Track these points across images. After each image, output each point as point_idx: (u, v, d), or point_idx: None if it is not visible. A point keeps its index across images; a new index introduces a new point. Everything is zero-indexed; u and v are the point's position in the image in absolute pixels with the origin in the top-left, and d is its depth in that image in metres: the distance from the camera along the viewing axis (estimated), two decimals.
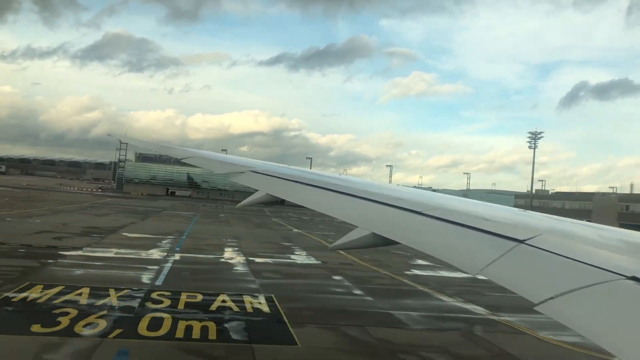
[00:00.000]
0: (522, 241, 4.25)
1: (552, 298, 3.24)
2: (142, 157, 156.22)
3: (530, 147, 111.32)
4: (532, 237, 4.30)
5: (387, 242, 5.76)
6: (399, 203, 6.62)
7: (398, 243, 5.56)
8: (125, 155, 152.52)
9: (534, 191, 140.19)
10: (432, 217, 5.65)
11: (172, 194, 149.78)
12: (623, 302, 3.14)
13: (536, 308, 3.24)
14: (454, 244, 4.93)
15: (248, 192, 9.59)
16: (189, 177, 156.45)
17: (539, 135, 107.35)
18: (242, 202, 9.74)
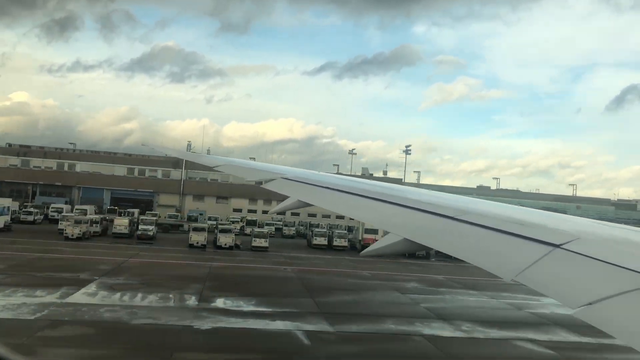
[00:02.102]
0: (558, 245, 4.19)
1: (590, 304, 3.19)
2: None
3: None
4: (569, 242, 4.24)
5: (420, 247, 5.75)
6: (431, 208, 6.59)
7: (430, 249, 5.54)
8: None
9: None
10: (465, 221, 5.61)
11: None
12: None
13: (574, 314, 3.19)
14: (487, 249, 4.89)
15: None
16: None
17: None
18: (274, 209, 9.83)
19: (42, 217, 55.85)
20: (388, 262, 42.29)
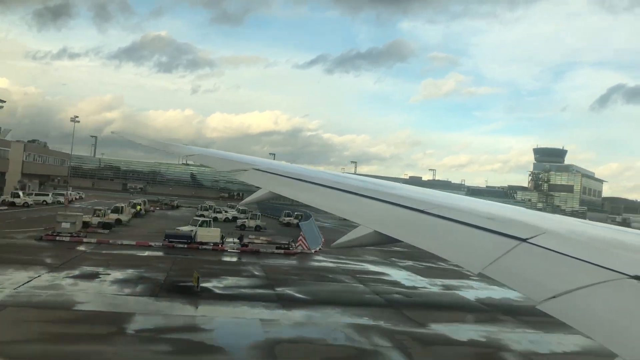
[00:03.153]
0: (524, 240, 4.23)
1: (554, 297, 3.23)
2: None
3: None
4: (535, 236, 4.28)
5: (390, 240, 5.74)
6: (402, 201, 6.60)
7: (400, 241, 5.54)
8: None
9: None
10: (434, 215, 5.63)
11: None
12: (626, 301, 3.12)
13: (538, 307, 3.23)
14: (456, 243, 4.91)
15: None
16: None
17: None
18: (245, 200, 9.74)
19: None
20: None
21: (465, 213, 5.73)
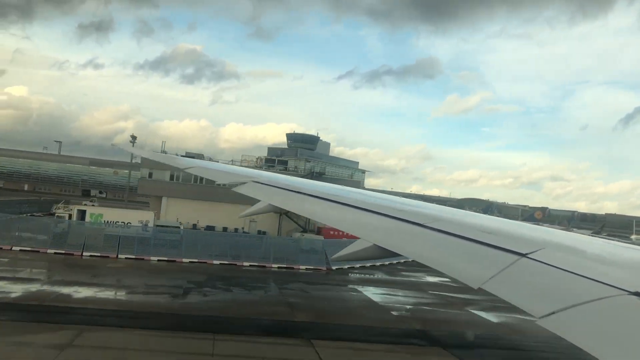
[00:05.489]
0: (524, 255, 4.24)
1: (554, 312, 3.22)
2: None
3: None
4: (535, 251, 4.29)
5: (389, 254, 5.74)
6: (401, 215, 6.61)
7: (400, 255, 5.54)
8: None
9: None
10: (434, 229, 5.64)
11: None
12: (626, 318, 3.11)
13: (538, 322, 3.22)
14: (456, 257, 4.91)
15: None
16: None
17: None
18: (244, 212, 9.75)
19: None
20: None
21: (465, 227, 5.73)
